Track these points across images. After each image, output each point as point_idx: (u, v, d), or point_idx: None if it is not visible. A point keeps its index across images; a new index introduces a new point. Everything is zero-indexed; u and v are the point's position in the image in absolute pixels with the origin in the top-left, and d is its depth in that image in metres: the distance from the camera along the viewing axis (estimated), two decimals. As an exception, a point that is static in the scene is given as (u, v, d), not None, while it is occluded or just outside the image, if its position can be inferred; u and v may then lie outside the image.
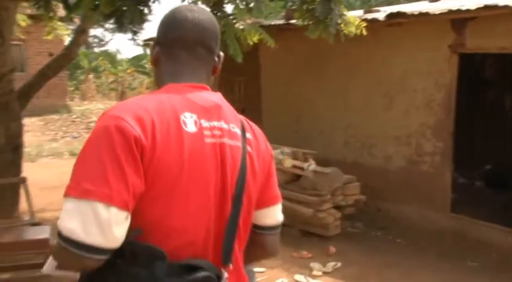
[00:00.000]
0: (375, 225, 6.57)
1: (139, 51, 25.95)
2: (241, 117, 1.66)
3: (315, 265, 5.13)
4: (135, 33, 4.71)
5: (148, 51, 25.42)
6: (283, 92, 8.08)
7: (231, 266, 1.43)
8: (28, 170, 6.04)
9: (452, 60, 6.16)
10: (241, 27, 4.58)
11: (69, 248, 1.23)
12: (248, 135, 1.58)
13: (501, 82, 8.50)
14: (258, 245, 1.67)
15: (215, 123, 1.47)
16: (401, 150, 6.69)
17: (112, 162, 1.26)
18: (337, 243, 5.83)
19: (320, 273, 4.99)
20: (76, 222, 1.23)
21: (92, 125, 17.36)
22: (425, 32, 6.36)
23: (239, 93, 8.95)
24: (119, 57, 27.36)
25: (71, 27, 9.03)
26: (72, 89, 23.72)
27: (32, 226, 5.34)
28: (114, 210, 1.23)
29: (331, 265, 5.16)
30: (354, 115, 7.16)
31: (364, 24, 5.36)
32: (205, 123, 1.44)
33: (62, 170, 7.67)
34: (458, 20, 5.92)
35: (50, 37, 7.80)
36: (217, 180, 1.44)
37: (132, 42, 53.71)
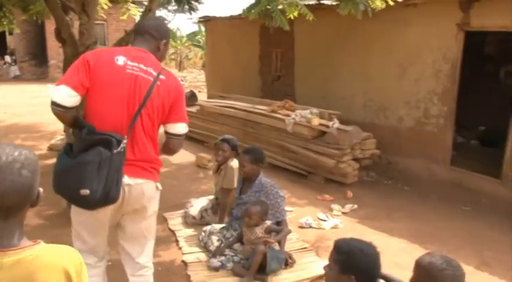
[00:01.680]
0: (386, 175, 6.40)
1: (195, 28, 25.77)
2: (166, 68, 2.46)
3: (335, 206, 5.01)
4: (191, 12, 4.55)
5: (202, 28, 25.38)
6: (313, 62, 7.78)
7: (126, 138, 2.19)
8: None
9: (459, 37, 5.86)
10: (284, 2, 4.35)
11: (52, 105, 2.18)
12: (161, 76, 2.32)
13: (498, 57, 8.21)
14: (167, 143, 2.44)
15: (136, 64, 2.27)
16: (411, 113, 6.41)
17: (75, 69, 2.22)
18: (354, 189, 5.69)
19: (339, 213, 4.87)
20: (55, 93, 2.18)
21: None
22: (436, 12, 6.02)
23: (276, 62, 8.68)
24: (178, 33, 27.23)
25: (141, 9, 9.02)
26: (141, 59, 23.77)
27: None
28: (68, 89, 2.16)
29: (348, 207, 5.04)
30: (372, 83, 6.86)
31: (389, -1, 5.07)
32: (129, 62, 2.26)
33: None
34: (465, 1, 5.65)
35: (124, 17, 7.87)
36: (130, 93, 2.23)
37: (190, 20, 53.69)
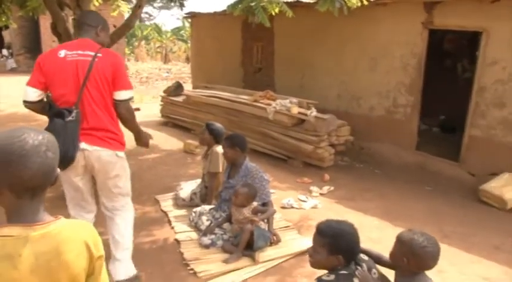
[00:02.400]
0: (359, 160, 6.44)
1: (178, 24, 25.48)
2: (105, 49, 2.70)
3: (314, 188, 5.00)
4: (182, 7, 4.44)
5: (186, 23, 24.99)
6: (292, 55, 7.72)
7: (74, 108, 2.52)
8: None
9: (424, 34, 5.94)
10: (265, 0, 4.27)
11: (23, 103, 2.63)
12: (99, 54, 2.58)
13: (455, 53, 8.31)
14: (118, 110, 2.67)
15: (74, 52, 2.57)
16: (381, 102, 6.45)
17: (33, 72, 2.60)
18: (330, 172, 5.69)
19: (318, 194, 4.87)
20: (24, 94, 2.60)
21: (144, 79, 17.14)
22: (404, 11, 6.07)
23: (257, 55, 8.58)
24: (164, 29, 26.79)
25: (130, 6, 8.86)
26: (128, 52, 23.35)
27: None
28: (30, 88, 2.57)
29: (326, 188, 5.04)
30: (346, 74, 6.86)
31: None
32: (69, 52, 2.58)
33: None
34: (429, 2, 5.73)
35: (115, 13, 7.76)
36: (73, 74, 2.54)
37: (173, 16, 52.77)
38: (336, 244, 2.02)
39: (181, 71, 19.83)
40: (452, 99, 7.65)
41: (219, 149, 4.12)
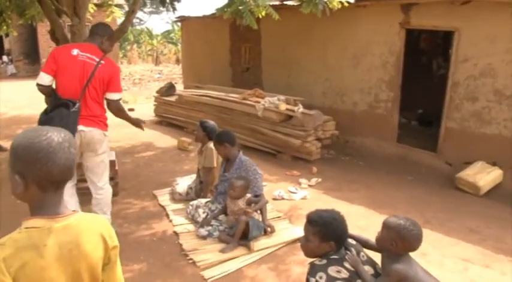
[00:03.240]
0: (344, 152, 6.49)
1: (168, 27, 25.30)
2: (107, 58, 3.25)
3: (303, 180, 5.03)
4: (174, 11, 4.45)
5: (175, 27, 24.83)
6: (278, 55, 7.74)
7: (79, 102, 3.03)
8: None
9: (401, 34, 6.01)
10: (253, 4, 4.28)
11: (37, 86, 3.06)
12: (102, 62, 3.13)
13: (431, 51, 8.42)
14: (109, 106, 3.27)
15: (85, 54, 3.08)
16: (364, 98, 6.51)
17: (47, 60, 3.08)
18: (317, 165, 5.73)
19: (306, 186, 4.90)
20: (38, 78, 3.06)
21: (137, 81, 16.99)
22: (383, 12, 6.13)
23: (245, 55, 8.58)
24: (154, 32, 26.57)
25: (122, 11, 8.84)
26: (121, 55, 23.11)
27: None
28: (43, 73, 3.04)
29: (314, 180, 5.07)
30: (330, 72, 6.90)
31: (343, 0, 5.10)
32: (81, 53, 3.07)
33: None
34: (406, 4, 5.80)
35: (109, 19, 7.78)
36: (80, 72, 3.05)
37: (162, 21, 52.28)
38: (326, 231, 2.06)
39: (172, 72, 19.70)
40: (429, 94, 7.76)
41: (213, 145, 4.14)
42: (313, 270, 1.99)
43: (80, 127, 3.06)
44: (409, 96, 6.96)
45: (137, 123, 3.63)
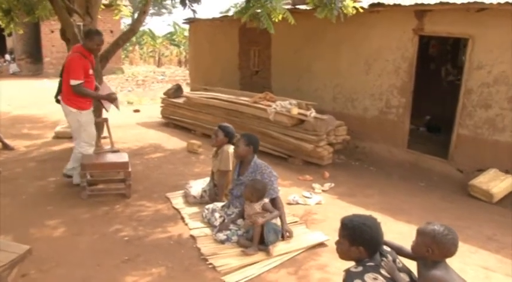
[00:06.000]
0: (354, 157, 6.48)
1: (169, 29, 25.35)
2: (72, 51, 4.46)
3: (316, 185, 4.99)
4: (194, 13, 4.47)
5: (177, 29, 24.86)
6: (288, 59, 7.73)
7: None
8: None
9: (415, 40, 6.02)
10: (271, 8, 4.29)
11: (76, 86, 4.19)
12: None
13: (439, 58, 8.45)
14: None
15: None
16: (375, 103, 6.50)
17: (79, 69, 4.22)
18: (329, 170, 5.70)
19: (320, 191, 4.87)
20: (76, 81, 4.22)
21: (140, 82, 16.95)
22: (396, 18, 6.14)
23: (254, 59, 8.56)
24: (156, 34, 26.56)
25: (131, 10, 8.82)
26: (123, 56, 23.06)
27: (113, 152, 5.22)
28: (78, 81, 4.17)
29: (327, 185, 5.04)
30: (341, 77, 6.90)
31: (358, 6, 5.10)
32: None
33: (123, 114, 7.64)
34: (420, 10, 5.81)
35: (117, 17, 7.74)
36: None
37: (163, 23, 52.42)
38: (355, 236, 2.03)
39: (175, 74, 19.67)
40: (437, 101, 7.80)
41: (229, 148, 4.10)
42: (349, 278, 1.96)
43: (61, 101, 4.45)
44: (417, 103, 6.94)
45: (109, 99, 4.59)
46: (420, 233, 2.04)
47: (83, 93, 4.26)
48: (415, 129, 7.82)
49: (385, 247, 2.14)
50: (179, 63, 25.29)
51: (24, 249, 2.42)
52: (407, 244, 2.21)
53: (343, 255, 2.12)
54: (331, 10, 4.75)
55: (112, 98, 4.61)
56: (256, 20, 4.48)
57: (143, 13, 6.12)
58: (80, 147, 4.43)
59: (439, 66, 8.54)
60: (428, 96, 7.82)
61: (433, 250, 1.96)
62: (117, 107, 4.81)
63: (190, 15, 4.79)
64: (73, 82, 4.16)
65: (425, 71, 8.23)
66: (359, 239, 2.02)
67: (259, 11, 4.41)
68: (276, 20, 4.57)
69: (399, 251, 2.19)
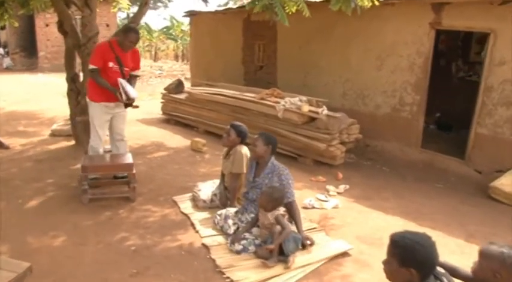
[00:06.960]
0: (365, 157, 6.21)
1: (165, 23, 24.94)
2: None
3: (330, 187, 4.72)
4: (206, 3, 4.18)
5: (175, 23, 24.43)
6: (295, 53, 7.42)
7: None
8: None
9: (431, 34, 5.74)
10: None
11: (91, 71, 4.24)
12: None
13: (449, 53, 8.16)
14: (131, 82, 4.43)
15: None
16: (387, 100, 6.23)
17: (96, 55, 4.28)
18: (340, 170, 5.43)
19: (335, 193, 4.60)
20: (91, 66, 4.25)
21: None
22: (412, 11, 5.85)
23: (258, 53, 8.25)
24: (152, 28, 26.12)
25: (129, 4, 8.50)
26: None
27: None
28: (93, 66, 4.20)
29: (342, 187, 4.77)
30: (352, 73, 6.61)
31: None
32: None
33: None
34: (437, 3, 5.52)
35: (115, 10, 7.38)
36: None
37: (159, 17, 51.92)
38: (405, 255, 1.78)
39: (173, 68, 19.32)
40: (447, 98, 7.55)
41: (243, 149, 3.83)
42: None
43: None
44: (427, 99, 6.73)
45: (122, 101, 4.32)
46: (485, 256, 1.78)
47: (96, 81, 4.23)
48: (425, 127, 7.57)
49: (438, 268, 1.88)
50: (176, 57, 24.90)
51: (24, 268, 2.16)
52: (444, 257, 1.97)
53: (391, 276, 1.87)
54: (347, 2, 4.47)
55: (125, 104, 4.37)
56: (269, 11, 4.18)
57: (144, 4, 5.81)
58: (91, 140, 4.45)
59: (448, 62, 8.29)
60: (438, 93, 7.57)
61: (501, 275, 1.71)
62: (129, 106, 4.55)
63: (190, 8, 4.52)
64: (89, 66, 4.23)
65: (435, 67, 8.02)
66: (411, 260, 1.76)
67: (272, 1, 4.11)
68: (290, 12, 4.27)
69: (454, 273, 1.94)
